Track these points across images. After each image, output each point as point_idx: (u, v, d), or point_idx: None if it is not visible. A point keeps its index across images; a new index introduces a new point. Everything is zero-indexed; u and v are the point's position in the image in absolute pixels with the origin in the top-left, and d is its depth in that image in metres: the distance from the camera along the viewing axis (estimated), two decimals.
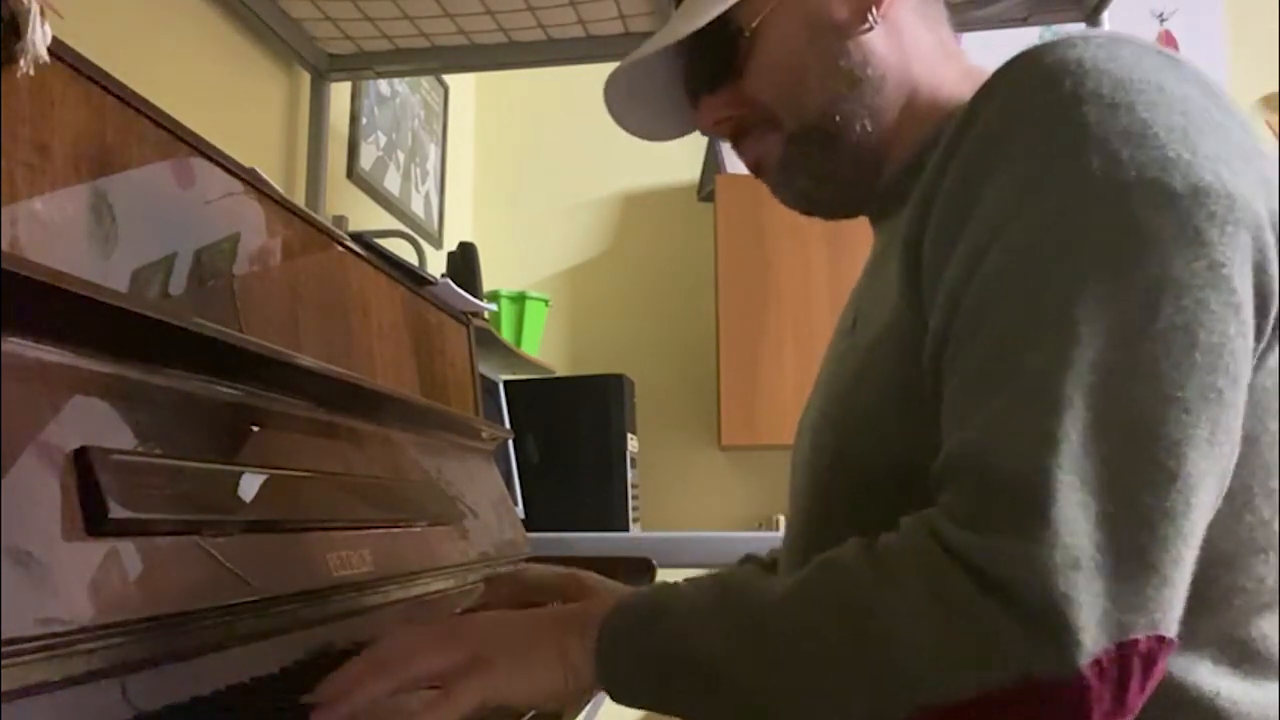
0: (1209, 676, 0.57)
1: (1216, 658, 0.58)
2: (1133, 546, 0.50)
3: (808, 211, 0.81)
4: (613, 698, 0.60)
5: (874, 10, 0.72)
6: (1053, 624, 0.49)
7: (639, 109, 0.83)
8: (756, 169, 0.80)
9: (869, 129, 0.73)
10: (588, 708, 1.28)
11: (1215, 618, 0.58)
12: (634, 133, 0.85)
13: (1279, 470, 0.58)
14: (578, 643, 0.61)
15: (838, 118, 0.73)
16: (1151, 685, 0.51)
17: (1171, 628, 0.51)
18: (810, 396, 0.78)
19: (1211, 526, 0.55)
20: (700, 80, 0.78)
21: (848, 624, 0.54)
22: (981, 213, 0.57)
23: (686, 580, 0.63)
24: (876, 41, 0.73)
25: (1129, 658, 0.49)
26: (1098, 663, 0.49)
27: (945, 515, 0.54)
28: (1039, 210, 0.55)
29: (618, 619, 0.61)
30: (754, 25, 0.73)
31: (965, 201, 0.59)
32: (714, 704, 0.57)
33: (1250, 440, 0.56)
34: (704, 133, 0.81)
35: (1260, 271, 0.54)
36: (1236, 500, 0.57)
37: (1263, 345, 0.56)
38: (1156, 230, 0.52)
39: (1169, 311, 0.52)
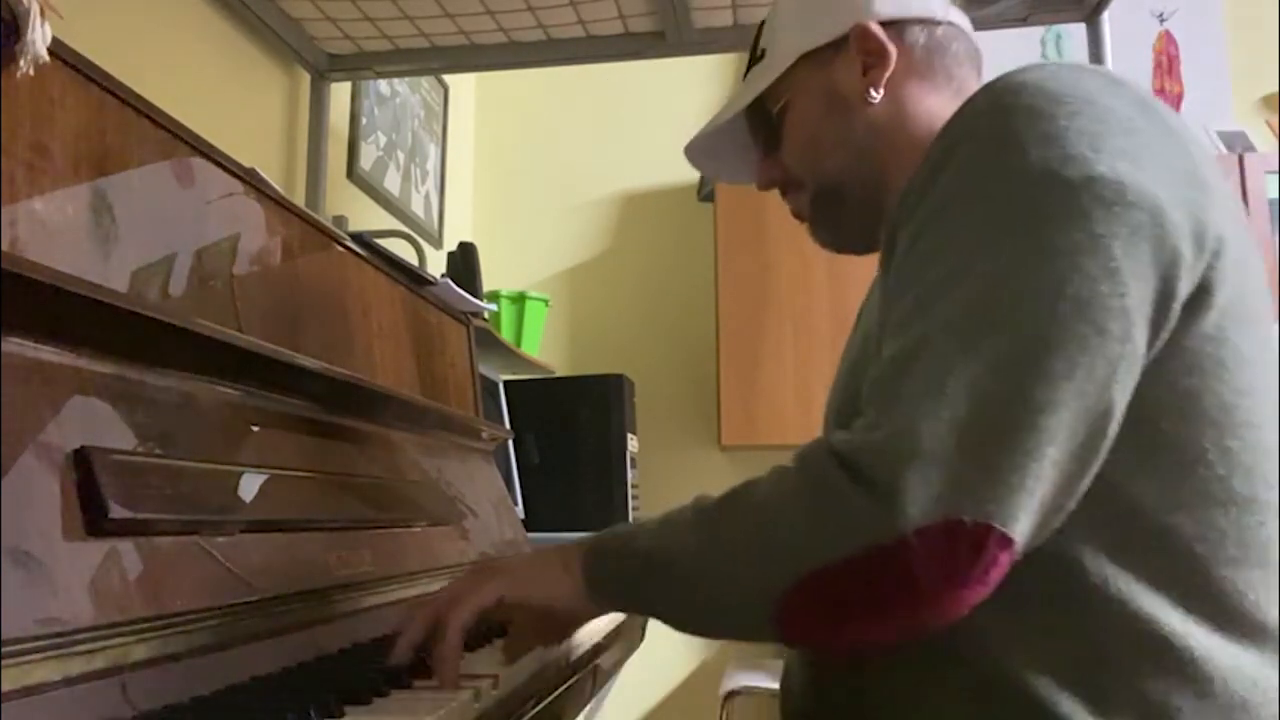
0: (1181, 624, 0.64)
1: (1189, 606, 0.64)
2: (977, 450, 0.60)
3: (842, 253, 0.96)
4: (596, 597, 0.74)
5: (873, 89, 0.86)
6: (886, 496, 0.60)
7: (724, 162, 1.02)
8: (798, 218, 0.96)
9: (876, 186, 0.86)
10: (589, 707, 1.28)
11: (1181, 563, 0.65)
12: (720, 179, 1.04)
13: (1230, 431, 0.66)
14: (575, 555, 0.75)
15: (847, 178, 0.88)
16: (987, 573, 0.60)
17: (1010, 525, 0.59)
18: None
19: (1160, 473, 0.65)
20: (759, 144, 0.96)
21: (745, 514, 0.68)
22: (925, 207, 0.69)
23: None
24: (879, 114, 0.86)
25: (955, 536, 0.59)
26: (922, 532, 0.59)
27: (850, 428, 0.66)
28: (963, 199, 0.67)
29: (603, 536, 0.76)
30: (779, 107, 0.91)
31: (920, 197, 0.70)
32: (661, 590, 0.71)
33: (1192, 396, 0.66)
34: (761, 188, 0.98)
35: (1159, 247, 0.63)
36: (1187, 452, 0.66)
37: (1175, 311, 0.64)
38: (1045, 209, 0.63)
39: (1044, 270, 0.62)
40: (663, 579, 0.70)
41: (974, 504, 0.59)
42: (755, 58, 0.95)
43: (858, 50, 0.86)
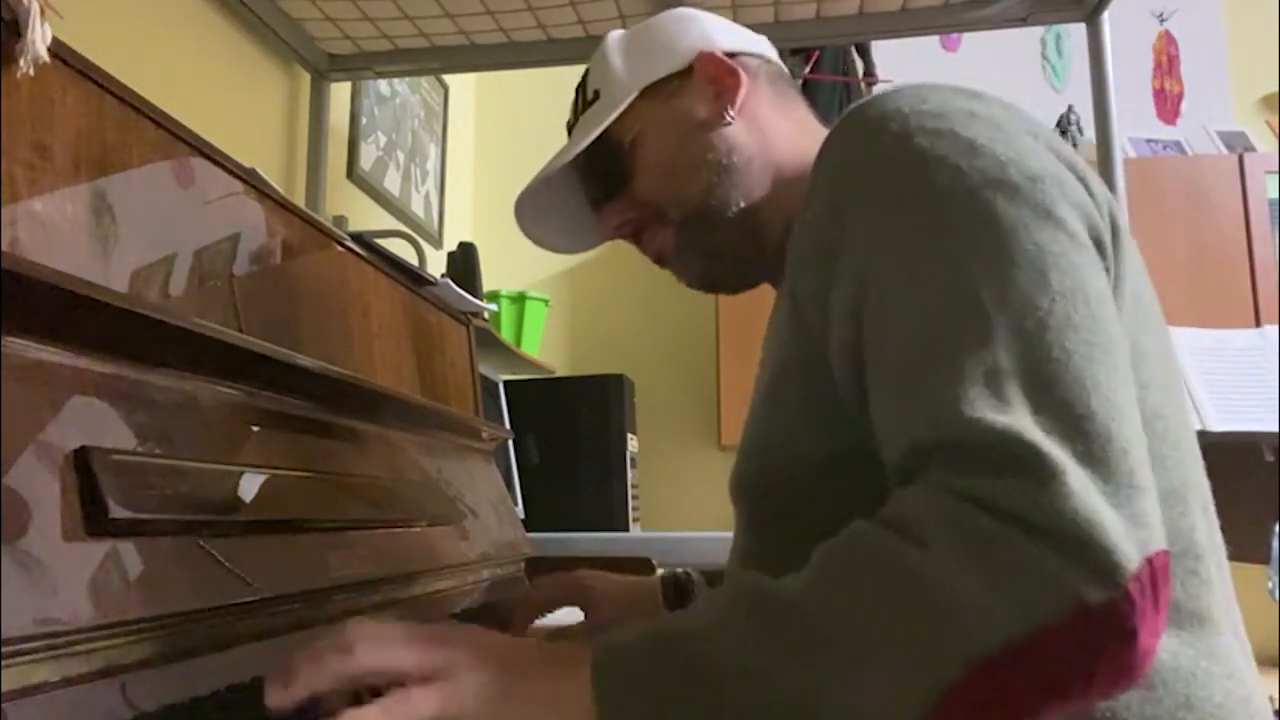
0: None
1: None
2: (1119, 474, 0.53)
3: (712, 289, 0.92)
4: None
5: (729, 109, 0.85)
6: (1092, 550, 0.50)
7: (552, 229, 0.97)
8: (659, 261, 0.91)
9: (743, 205, 0.85)
10: None
11: None
12: (550, 248, 0.99)
13: (1143, 425, 0.63)
14: (571, 678, 0.56)
15: (714, 200, 0.85)
16: (1165, 597, 0.53)
17: (1163, 536, 0.54)
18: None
19: None
20: (599, 191, 0.91)
21: (888, 594, 0.53)
22: (852, 241, 0.65)
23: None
24: (737, 133, 0.85)
25: (1155, 572, 0.52)
26: (1138, 579, 0.51)
27: (950, 478, 0.54)
28: (910, 226, 0.63)
29: (615, 648, 0.57)
30: (631, 138, 0.87)
31: (830, 237, 0.67)
32: (749, 713, 0.53)
33: None
34: (608, 238, 0.94)
35: (1093, 230, 0.64)
36: None
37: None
38: (1015, 216, 0.61)
39: (1057, 276, 0.59)
40: (750, 701, 0.53)
41: (1152, 533, 0.52)
42: (586, 103, 0.91)
43: (705, 77, 0.86)
